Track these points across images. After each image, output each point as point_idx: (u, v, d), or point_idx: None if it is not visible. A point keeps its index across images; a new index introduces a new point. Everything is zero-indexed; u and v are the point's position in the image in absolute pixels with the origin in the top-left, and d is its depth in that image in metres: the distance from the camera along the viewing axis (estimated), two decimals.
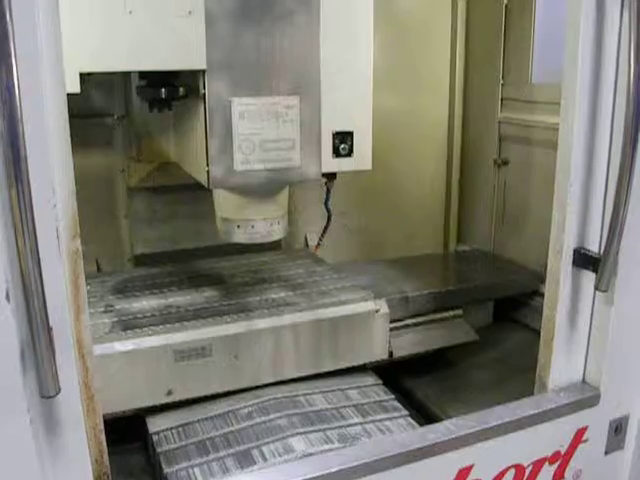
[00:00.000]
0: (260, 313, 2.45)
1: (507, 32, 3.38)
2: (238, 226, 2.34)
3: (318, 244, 2.95)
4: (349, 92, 2.29)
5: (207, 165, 2.11)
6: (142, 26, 1.93)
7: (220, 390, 2.38)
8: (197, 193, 2.86)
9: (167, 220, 3.17)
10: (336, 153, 2.31)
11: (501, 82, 3.45)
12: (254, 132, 2.11)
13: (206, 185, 2.15)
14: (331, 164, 2.33)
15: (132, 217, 3.11)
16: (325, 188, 2.69)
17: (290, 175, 2.22)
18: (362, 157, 2.37)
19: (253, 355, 2.39)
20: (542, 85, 3.24)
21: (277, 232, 2.40)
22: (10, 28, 1.09)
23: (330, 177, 2.56)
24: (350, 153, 2.34)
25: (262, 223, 2.34)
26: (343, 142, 2.31)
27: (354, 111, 2.31)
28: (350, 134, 2.32)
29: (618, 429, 2.10)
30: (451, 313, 3.01)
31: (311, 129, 2.21)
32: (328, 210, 2.81)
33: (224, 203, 2.36)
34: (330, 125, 2.27)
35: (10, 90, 1.10)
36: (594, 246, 1.92)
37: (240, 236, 2.36)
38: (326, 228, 2.85)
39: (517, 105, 3.38)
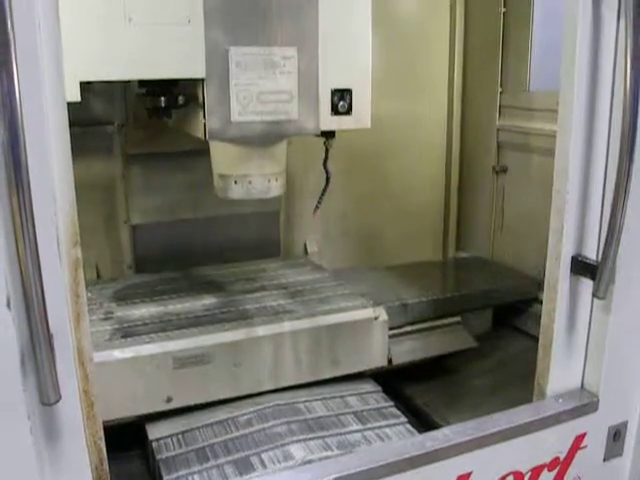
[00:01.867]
0: (259, 320, 2.46)
1: (505, 40, 3.40)
2: (235, 182, 2.30)
3: (317, 207, 2.90)
4: (348, 49, 2.28)
5: (204, 117, 2.10)
6: (141, 35, 1.94)
7: (219, 397, 2.38)
8: (194, 161, 2.85)
9: (164, 190, 3.13)
10: (335, 111, 2.30)
11: (499, 90, 3.47)
12: (251, 82, 2.10)
13: (202, 137, 2.14)
14: (330, 122, 2.31)
15: (128, 187, 3.08)
16: (324, 148, 2.68)
17: (288, 128, 2.21)
18: (361, 115, 2.35)
19: (252, 362, 2.39)
20: (540, 93, 3.25)
21: (275, 189, 2.36)
22: (11, 37, 1.10)
23: (329, 136, 2.54)
24: (349, 111, 2.32)
25: (260, 179, 2.31)
26: (342, 99, 2.29)
27: (353, 69, 2.31)
28: (349, 92, 2.30)
29: (617, 435, 2.10)
30: (450, 320, 3.00)
31: (309, 83, 2.20)
32: (327, 171, 2.77)
33: (221, 158, 2.33)
34: (329, 82, 2.26)
35: (11, 99, 1.11)
36: (592, 253, 1.92)
37: (237, 192, 2.31)
38: (324, 190, 2.81)
39: (515, 112, 3.39)
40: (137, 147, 3.00)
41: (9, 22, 1.09)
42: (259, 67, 2.10)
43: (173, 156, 3.05)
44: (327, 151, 2.67)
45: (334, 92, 2.28)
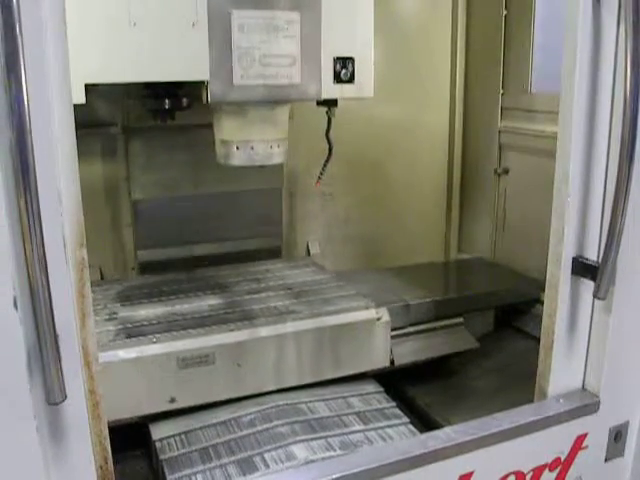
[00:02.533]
0: (263, 321, 2.47)
1: (506, 42, 3.41)
2: (237, 147, 2.29)
3: (319, 178, 2.90)
4: (350, 18, 2.29)
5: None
6: (146, 38, 1.96)
7: (223, 398, 2.39)
8: (196, 136, 2.85)
9: (165, 166, 3.09)
10: (337, 79, 2.30)
11: (501, 92, 3.48)
12: (254, 46, 2.10)
13: (205, 101, 2.14)
14: (332, 90, 2.31)
15: (130, 161, 3.05)
16: (326, 118, 2.68)
17: (290, 92, 2.21)
18: (364, 84, 2.36)
19: (256, 363, 2.41)
20: (541, 94, 3.26)
21: (277, 155, 2.35)
22: (20, 41, 1.12)
23: (331, 104, 2.55)
24: (351, 79, 2.32)
25: (262, 144, 2.30)
26: (344, 67, 2.30)
27: (355, 37, 2.32)
28: (351, 60, 2.31)
29: (618, 436, 2.11)
30: (452, 321, 3.01)
31: (312, 48, 2.21)
32: (329, 142, 2.78)
33: (223, 124, 2.31)
34: (331, 50, 2.27)
35: (19, 103, 1.13)
36: (593, 254, 1.93)
37: (239, 158, 2.30)
38: (327, 161, 2.81)
39: (517, 114, 3.40)
40: (139, 121, 2.97)
41: (17, 28, 1.11)
42: (262, 31, 2.10)
43: (174, 130, 3.01)
44: (330, 120, 2.67)
45: (336, 60, 2.29)
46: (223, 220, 3.25)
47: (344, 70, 2.30)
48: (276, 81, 2.17)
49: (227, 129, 2.31)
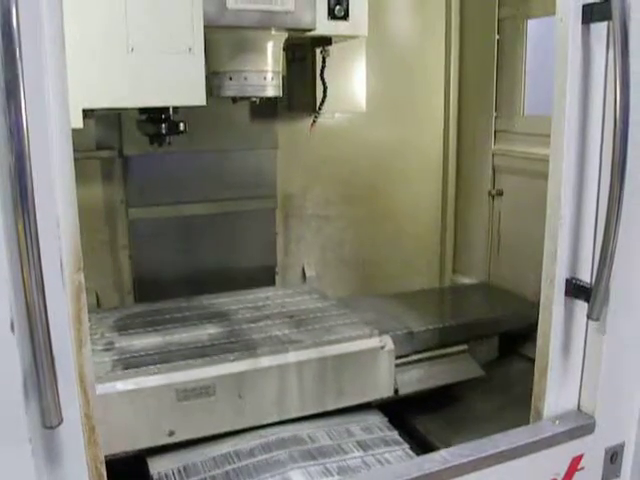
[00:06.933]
0: (264, 351, 2.41)
1: (499, 66, 3.46)
2: (230, 78, 2.28)
3: (313, 122, 2.91)
4: None
5: None
6: (143, 63, 1.99)
7: (223, 430, 2.34)
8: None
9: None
10: (332, 15, 2.31)
11: (494, 115, 3.52)
12: None
13: None
14: (326, 26, 2.32)
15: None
16: (321, 58, 2.69)
17: (284, 20, 2.21)
18: (357, 22, 2.37)
19: (257, 394, 2.36)
20: (534, 117, 3.30)
21: (270, 88, 2.34)
22: (20, 68, 1.15)
23: (325, 43, 2.55)
24: (346, 16, 2.33)
25: (255, 75, 2.29)
26: (338, 4, 2.31)
27: None
28: None
29: (614, 457, 2.10)
30: (456, 348, 2.98)
31: None
32: (324, 82, 2.77)
33: (216, 54, 2.29)
34: None
35: (19, 128, 1.15)
36: (586, 276, 1.94)
37: (232, 88, 2.29)
38: (322, 103, 2.82)
39: (510, 137, 3.44)
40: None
41: (18, 54, 1.14)
42: None
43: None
44: (324, 60, 2.69)
45: None
46: (216, 180, 3.20)
47: (338, 6, 2.31)
48: (269, 7, 2.17)
49: (220, 59, 2.29)
